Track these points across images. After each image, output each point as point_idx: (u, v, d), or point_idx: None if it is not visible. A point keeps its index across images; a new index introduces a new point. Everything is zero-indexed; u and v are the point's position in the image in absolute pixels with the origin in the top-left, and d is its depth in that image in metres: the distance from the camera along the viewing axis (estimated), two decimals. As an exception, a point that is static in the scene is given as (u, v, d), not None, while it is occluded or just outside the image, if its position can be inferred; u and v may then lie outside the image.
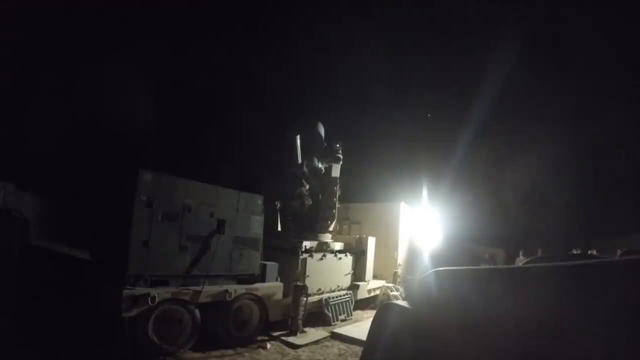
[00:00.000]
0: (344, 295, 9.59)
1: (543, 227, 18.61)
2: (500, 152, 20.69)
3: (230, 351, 6.56)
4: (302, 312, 7.79)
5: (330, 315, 8.80)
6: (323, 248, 9.52)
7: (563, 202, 19.15)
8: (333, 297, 9.16)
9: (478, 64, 20.82)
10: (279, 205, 10.11)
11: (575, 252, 10.30)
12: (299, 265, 8.50)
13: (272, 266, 7.91)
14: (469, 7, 19.71)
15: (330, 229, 10.41)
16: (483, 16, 19.64)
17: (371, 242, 11.04)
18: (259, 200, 7.80)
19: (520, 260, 13.41)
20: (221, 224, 6.90)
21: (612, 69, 18.43)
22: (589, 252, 12.56)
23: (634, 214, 17.41)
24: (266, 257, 8.02)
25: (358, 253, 10.71)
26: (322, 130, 10.54)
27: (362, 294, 10.44)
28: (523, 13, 19.46)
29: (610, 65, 18.37)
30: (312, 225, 9.99)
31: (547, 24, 19.83)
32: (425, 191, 15.68)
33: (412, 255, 13.02)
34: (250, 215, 7.56)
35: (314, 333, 7.88)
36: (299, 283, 8.03)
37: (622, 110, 18.34)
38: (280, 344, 7.17)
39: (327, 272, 9.32)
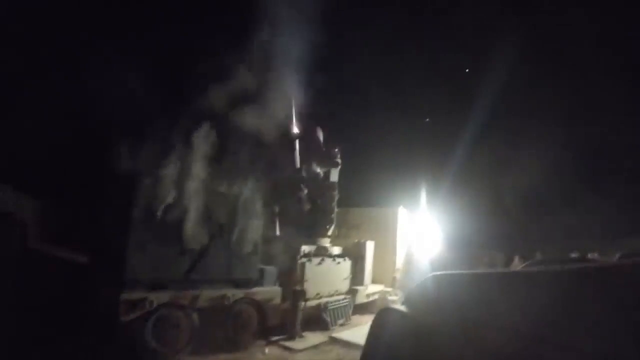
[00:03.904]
0: (342, 299, 9.57)
1: (542, 230, 18.62)
2: (499, 155, 20.74)
3: (228, 355, 6.53)
4: (301, 317, 7.77)
5: (328, 319, 8.77)
6: (322, 252, 9.50)
7: (562, 204, 19.18)
8: (331, 302, 9.14)
9: (477, 67, 20.92)
10: (277, 209, 10.10)
11: (574, 256, 10.29)
12: (298, 270, 8.48)
13: (271, 271, 7.90)
14: (468, 10, 19.82)
15: (329, 233, 10.40)
16: (482, 19, 19.75)
17: (370, 246, 11.03)
18: (258, 204, 7.80)
19: (516, 265, 13.40)
20: (220, 228, 6.89)
21: (613, 69, 18.52)
22: (588, 255, 12.53)
23: (633, 217, 17.43)
24: (264, 261, 8.00)
25: (357, 257, 10.68)
26: (320, 134, 10.55)
27: (361, 298, 10.41)
28: (522, 14, 19.59)
29: (610, 66, 18.46)
30: (311, 229, 9.98)
31: (547, 25, 19.95)
32: (423, 196, 15.69)
33: (411, 260, 13.00)
34: (248, 220, 7.55)
35: (313, 337, 7.85)
36: (297, 288, 8.01)
37: (623, 112, 18.41)
38: (279, 349, 7.15)
39: (326, 276, 9.29)
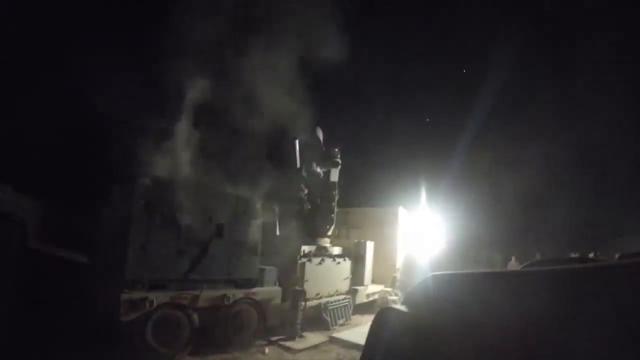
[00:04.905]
0: (342, 299, 9.57)
1: (542, 230, 18.65)
2: (499, 155, 20.75)
3: (228, 356, 6.54)
4: (301, 317, 7.77)
5: (328, 319, 8.77)
6: (322, 252, 9.50)
7: (562, 204, 19.19)
8: (332, 302, 9.14)
9: (476, 67, 20.95)
10: (277, 209, 10.10)
11: (573, 256, 10.30)
12: (298, 270, 8.48)
13: (271, 271, 7.89)
14: (468, 10, 19.83)
15: (329, 233, 10.40)
16: (482, 19, 19.76)
17: (370, 246, 11.03)
18: (258, 204, 7.80)
19: (513, 265, 13.40)
20: (220, 228, 6.89)
21: (614, 68, 18.52)
22: (589, 255, 12.52)
23: (633, 216, 17.46)
24: (265, 261, 8.00)
25: (357, 257, 10.69)
26: (320, 134, 10.56)
27: (361, 298, 10.42)
28: (521, 14, 19.60)
29: (610, 66, 18.46)
30: (311, 229, 9.98)
31: (546, 25, 19.96)
32: (423, 195, 15.69)
33: (411, 260, 13.00)
34: (248, 220, 7.55)
35: (313, 337, 7.85)
36: (297, 287, 8.01)
37: (623, 111, 18.42)
38: (279, 349, 7.15)
39: (326, 276, 9.30)
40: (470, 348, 1.09)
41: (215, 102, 7.68)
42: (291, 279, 8.27)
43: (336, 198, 10.60)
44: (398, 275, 12.16)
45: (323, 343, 7.68)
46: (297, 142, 9.86)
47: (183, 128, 7.14)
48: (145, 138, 6.61)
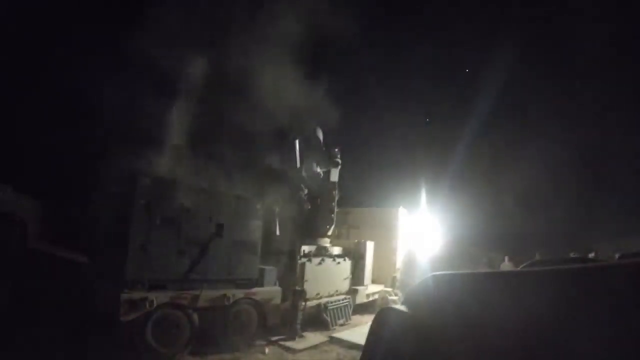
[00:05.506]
0: (342, 299, 9.57)
1: (541, 230, 18.64)
2: (498, 155, 20.76)
3: (228, 356, 6.53)
4: (301, 317, 7.77)
5: (328, 319, 8.77)
6: (322, 252, 9.50)
7: (562, 205, 19.19)
8: (332, 302, 9.14)
9: (476, 68, 20.95)
10: (277, 209, 10.10)
11: (573, 256, 10.30)
12: (298, 270, 8.48)
13: (271, 271, 7.89)
14: (468, 10, 19.84)
15: (329, 233, 10.39)
16: (482, 19, 19.76)
17: (370, 246, 11.03)
18: (258, 204, 7.80)
19: (506, 266, 13.41)
20: (219, 228, 6.89)
21: (613, 69, 18.53)
22: (589, 255, 12.51)
23: (633, 216, 17.45)
24: (265, 261, 8.00)
25: (357, 257, 10.68)
26: (320, 134, 10.55)
27: (361, 298, 10.41)
28: (521, 14, 19.60)
29: (610, 66, 18.47)
30: (311, 229, 9.97)
31: (545, 25, 19.96)
32: (423, 196, 15.70)
33: (411, 260, 13.01)
34: (248, 220, 7.55)
35: (313, 337, 7.85)
36: (297, 287, 8.00)
37: (623, 111, 18.42)
38: (279, 349, 7.15)
39: (326, 276, 9.30)
40: (470, 348, 1.09)
41: (216, 101, 7.69)
42: (291, 279, 8.27)
43: (336, 198, 10.60)
44: (398, 275, 12.16)
45: (323, 343, 7.68)
46: (297, 142, 9.86)
47: (183, 127, 7.14)
48: (145, 138, 6.61)
